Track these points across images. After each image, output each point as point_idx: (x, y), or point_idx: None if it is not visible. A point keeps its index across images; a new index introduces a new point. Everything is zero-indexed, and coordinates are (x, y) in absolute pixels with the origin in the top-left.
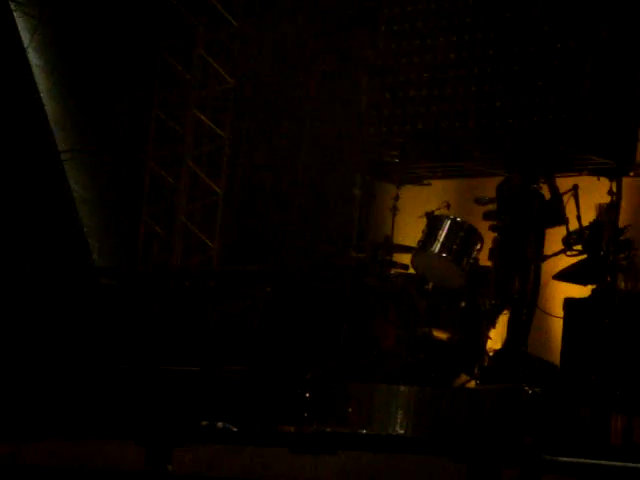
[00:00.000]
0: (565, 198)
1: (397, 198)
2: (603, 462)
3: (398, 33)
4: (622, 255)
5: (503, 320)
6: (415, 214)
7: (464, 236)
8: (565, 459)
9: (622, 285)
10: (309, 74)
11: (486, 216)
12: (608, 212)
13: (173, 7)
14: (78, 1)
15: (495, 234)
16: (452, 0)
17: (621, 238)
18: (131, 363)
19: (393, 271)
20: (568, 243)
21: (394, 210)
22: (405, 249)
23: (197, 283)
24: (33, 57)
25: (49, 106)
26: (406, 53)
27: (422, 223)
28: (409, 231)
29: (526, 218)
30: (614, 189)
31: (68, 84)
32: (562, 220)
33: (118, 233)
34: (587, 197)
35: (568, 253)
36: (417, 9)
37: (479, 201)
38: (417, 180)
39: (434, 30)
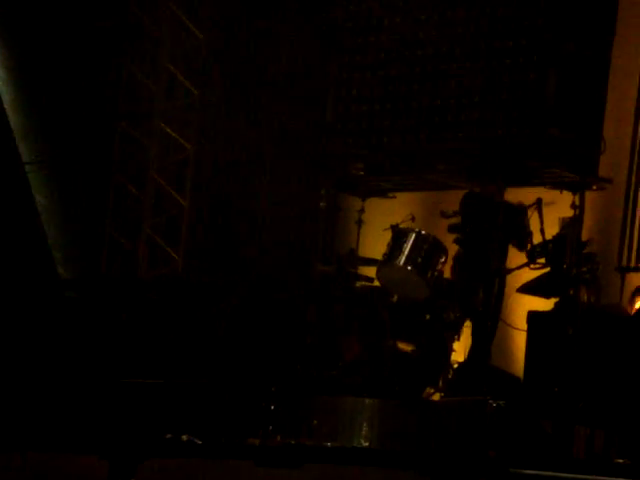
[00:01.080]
0: (529, 211)
1: (362, 211)
2: (567, 475)
3: (363, 47)
4: (585, 268)
5: (467, 332)
6: (380, 227)
7: (429, 249)
8: (529, 472)
9: (584, 298)
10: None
11: (451, 229)
12: (571, 226)
13: (138, 19)
14: (41, 13)
15: (459, 247)
16: (416, 15)
17: (584, 251)
18: (96, 376)
19: (358, 284)
20: (532, 256)
21: (359, 223)
22: (370, 262)
23: (163, 295)
24: None
25: (13, 118)
26: (371, 67)
27: (387, 236)
28: (374, 244)
29: (490, 231)
30: (577, 202)
31: (32, 95)
32: (525, 234)
33: (83, 245)
34: (550, 210)
35: (532, 266)
36: (381, 24)
37: (444, 214)
38: (382, 193)
39: (399, 44)
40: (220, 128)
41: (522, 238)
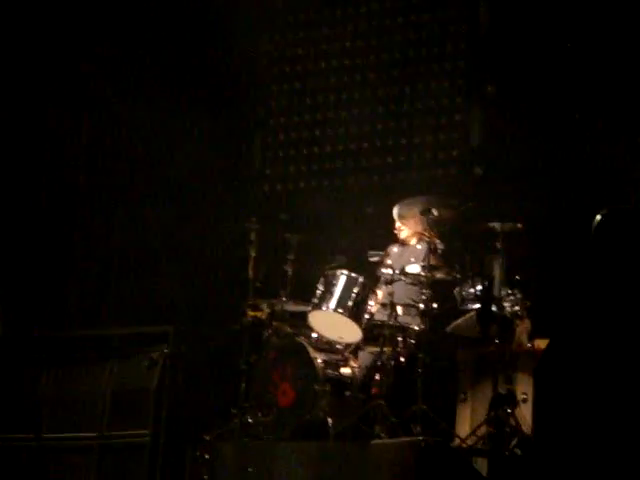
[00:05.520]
0: None
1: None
2: None
3: (290, 91)
4: None
5: None
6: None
7: (359, 291)
8: None
9: None
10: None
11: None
12: None
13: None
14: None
15: None
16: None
17: None
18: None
19: (289, 329)
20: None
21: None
22: (302, 308)
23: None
24: None
25: None
26: (297, 111)
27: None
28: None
29: None
30: None
31: None
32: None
33: (15, 300)
34: None
35: None
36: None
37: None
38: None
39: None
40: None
41: None
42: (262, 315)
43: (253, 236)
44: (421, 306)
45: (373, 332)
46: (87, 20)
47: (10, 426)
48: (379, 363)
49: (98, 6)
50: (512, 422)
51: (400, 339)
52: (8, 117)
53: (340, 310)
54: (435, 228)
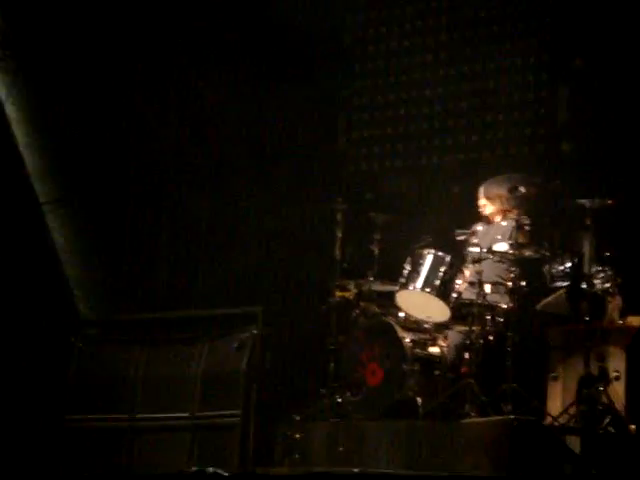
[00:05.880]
0: None
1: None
2: None
3: (374, 71)
4: None
5: None
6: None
7: (446, 270)
8: None
9: None
10: None
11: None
12: None
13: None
14: (56, 55)
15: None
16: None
17: None
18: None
19: (377, 309)
20: None
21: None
22: (389, 288)
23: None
24: (11, 111)
25: (28, 159)
26: (382, 90)
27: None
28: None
29: None
30: None
31: (46, 136)
32: None
33: (103, 283)
34: None
35: None
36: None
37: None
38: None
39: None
40: None
41: None
42: (350, 295)
43: (339, 216)
44: (509, 284)
45: (461, 311)
46: None
47: (104, 407)
48: (468, 342)
49: None
50: (604, 400)
51: (489, 317)
52: (97, 102)
53: (428, 289)
54: (522, 206)
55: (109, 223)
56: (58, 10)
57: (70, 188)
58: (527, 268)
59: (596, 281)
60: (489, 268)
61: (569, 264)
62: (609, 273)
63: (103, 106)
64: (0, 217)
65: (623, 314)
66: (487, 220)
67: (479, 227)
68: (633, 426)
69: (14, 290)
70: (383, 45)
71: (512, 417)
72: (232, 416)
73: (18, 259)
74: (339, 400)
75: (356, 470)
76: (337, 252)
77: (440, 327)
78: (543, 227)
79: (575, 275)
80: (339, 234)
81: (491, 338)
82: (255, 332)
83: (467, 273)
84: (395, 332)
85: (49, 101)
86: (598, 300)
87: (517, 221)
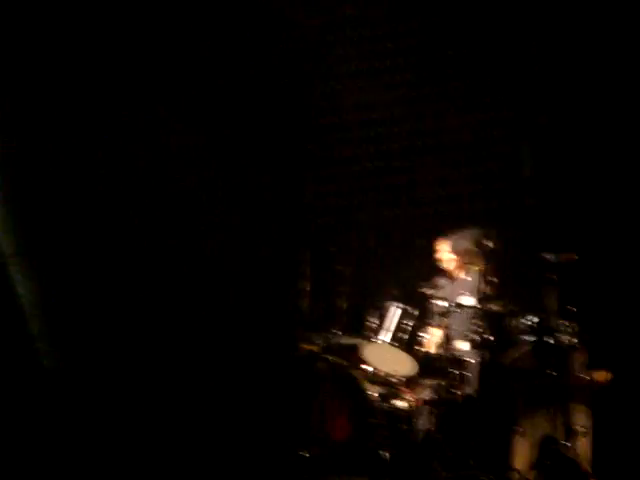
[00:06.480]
0: None
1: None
2: None
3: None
4: None
5: None
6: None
7: (414, 324)
8: None
9: None
10: None
11: None
12: None
13: None
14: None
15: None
16: None
17: None
18: None
19: (343, 362)
20: None
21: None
22: (355, 341)
23: None
24: None
25: None
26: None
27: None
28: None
29: None
30: None
31: (11, 188)
32: None
33: (69, 335)
34: None
35: None
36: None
37: None
38: None
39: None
40: None
41: None
42: (316, 348)
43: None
44: (477, 338)
45: (429, 365)
46: None
47: None
48: (436, 396)
49: None
50: (571, 455)
51: (456, 372)
52: (62, 155)
53: (396, 343)
54: (489, 260)
55: (74, 275)
56: None
57: (34, 240)
58: (493, 322)
59: (562, 336)
60: (456, 322)
61: (535, 318)
62: (574, 328)
63: (68, 157)
64: None
65: (588, 369)
66: (449, 274)
67: (442, 281)
68: None
69: None
70: (349, 101)
71: (477, 473)
72: None
73: None
74: (307, 455)
75: None
76: (304, 305)
77: (408, 381)
78: (508, 281)
79: (541, 330)
80: (307, 287)
81: (459, 392)
82: None
83: (434, 327)
84: (362, 386)
85: (10, 154)
86: (564, 355)
87: (483, 275)
